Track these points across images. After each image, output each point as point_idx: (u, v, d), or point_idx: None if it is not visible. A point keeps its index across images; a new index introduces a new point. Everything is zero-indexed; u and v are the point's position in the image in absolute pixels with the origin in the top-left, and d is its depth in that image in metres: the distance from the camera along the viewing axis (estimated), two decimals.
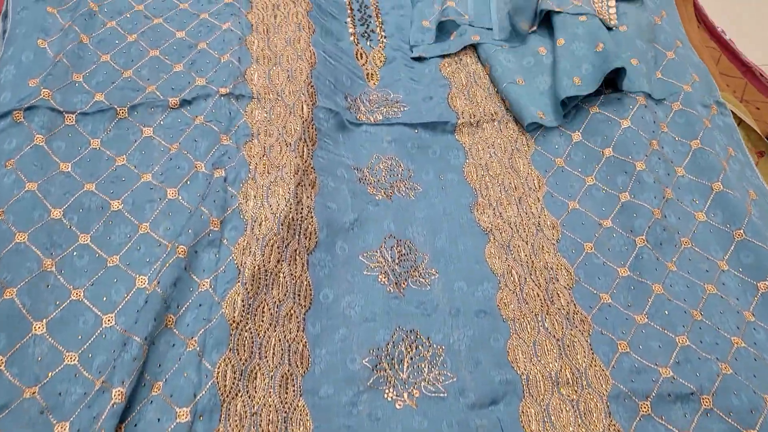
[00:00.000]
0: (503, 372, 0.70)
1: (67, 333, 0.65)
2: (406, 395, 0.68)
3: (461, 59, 1.05)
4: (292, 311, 0.71)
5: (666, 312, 0.76)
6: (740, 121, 0.98)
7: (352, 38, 1.07)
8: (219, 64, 0.90)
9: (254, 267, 0.71)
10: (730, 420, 0.67)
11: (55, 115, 0.81)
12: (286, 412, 0.65)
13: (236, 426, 0.62)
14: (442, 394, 0.68)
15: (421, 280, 0.78)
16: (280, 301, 0.71)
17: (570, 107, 0.94)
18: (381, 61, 1.04)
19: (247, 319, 0.68)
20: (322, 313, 0.73)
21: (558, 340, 0.73)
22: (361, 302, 0.75)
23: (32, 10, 0.92)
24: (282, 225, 0.75)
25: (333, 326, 0.72)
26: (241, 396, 0.64)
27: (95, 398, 0.60)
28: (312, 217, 0.79)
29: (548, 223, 0.85)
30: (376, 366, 0.69)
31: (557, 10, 0.99)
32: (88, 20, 0.93)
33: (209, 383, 0.63)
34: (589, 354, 0.72)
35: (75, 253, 0.71)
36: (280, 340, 0.69)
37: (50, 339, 0.65)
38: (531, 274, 0.79)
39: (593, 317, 0.75)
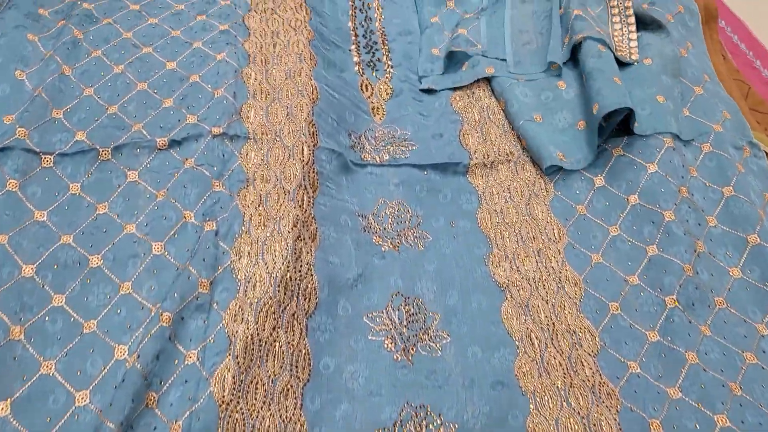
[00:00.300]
0: None
1: (35, 414, 0.58)
2: None
3: (474, 92, 0.98)
4: (288, 386, 0.64)
5: (702, 385, 0.68)
6: None
7: (356, 68, 1.00)
8: (212, 100, 0.83)
9: (247, 337, 0.63)
10: None
11: (31, 157, 0.74)
12: None
13: None
14: None
15: (431, 344, 0.71)
16: (275, 375, 0.64)
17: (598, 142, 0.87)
18: (387, 94, 0.97)
19: (239, 398, 0.61)
20: (322, 385, 0.66)
21: (583, 417, 0.66)
22: (365, 372, 0.67)
23: (11, 37, 0.85)
24: (279, 286, 0.67)
25: (334, 401, 0.65)
26: None
27: None
28: (312, 274, 0.71)
29: (570, 279, 0.77)
30: None
31: (582, 36, 0.92)
32: (71, 49, 0.86)
33: None
34: None
35: (47, 318, 0.64)
36: (275, 421, 0.61)
37: (14, 422, 0.57)
38: (552, 339, 0.72)
39: (621, 390, 0.68)
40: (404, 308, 0.74)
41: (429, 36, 1.05)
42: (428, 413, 0.65)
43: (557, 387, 0.68)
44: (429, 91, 0.99)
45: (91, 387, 0.60)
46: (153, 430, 0.58)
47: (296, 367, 0.65)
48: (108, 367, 0.61)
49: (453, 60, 1.01)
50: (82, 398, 0.59)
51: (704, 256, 0.79)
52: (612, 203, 0.84)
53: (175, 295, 0.65)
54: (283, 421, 0.62)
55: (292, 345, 0.66)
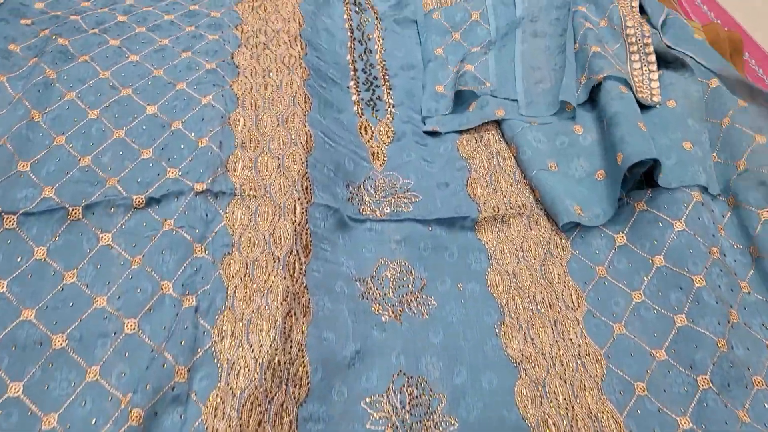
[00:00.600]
0: None
1: None
2: None
3: (482, 136, 0.90)
4: None
5: None
6: None
7: (355, 107, 0.92)
8: (196, 150, 0.75)
9: None
10: None
11: None
12: None
13: None
14: None
15: None
16: None
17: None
18: (389, 137, 0.90)
19: None
20: None
21: None
22: None
23: None
24: (265, 374, 0.60)
25: None
26: None
27: None
28: (303, 356, 0.63)
29: (590, 354, 0.70)
30: None
31: (602, 77, 0.85)
32: (42, 91, 0.78)
33: None
34: None
35: (1, 411, 0.56)
36: None
37: None
38: (572, 427, 0.64)
39: None
40: (407, 390, 0.66)
41: (433, 71, 0.97)
42: None
43: None
44: (433, 134, 0.91)
45: None
46: None
47: None
48: None
49: (459, 99, 0.94)
50: None
51: (739, 327, 0.71)
52: (635, 265, 0.77)
53: (148, 387, 0.57)
54: None
55: None
